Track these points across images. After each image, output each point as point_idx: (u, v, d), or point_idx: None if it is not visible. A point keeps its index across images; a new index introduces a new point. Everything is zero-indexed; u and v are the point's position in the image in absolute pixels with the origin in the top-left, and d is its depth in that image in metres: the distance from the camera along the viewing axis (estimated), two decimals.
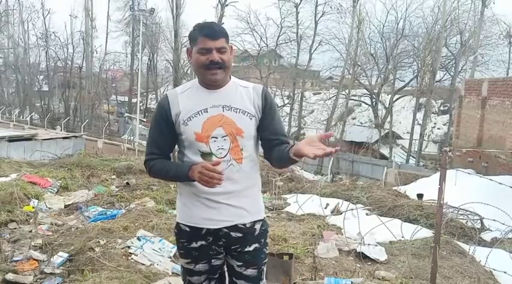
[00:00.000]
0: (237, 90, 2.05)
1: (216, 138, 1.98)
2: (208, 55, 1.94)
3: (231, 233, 2.04)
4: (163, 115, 2.04)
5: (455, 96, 21.89)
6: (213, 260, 2.11)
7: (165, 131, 2.05)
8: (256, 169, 2.12)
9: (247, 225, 2.06)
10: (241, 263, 2.09)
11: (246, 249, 2.07)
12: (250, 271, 2.10)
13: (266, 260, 2.17)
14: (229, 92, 2.04)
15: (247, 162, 2.04)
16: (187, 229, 2.08)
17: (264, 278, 2.18)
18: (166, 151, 2.11)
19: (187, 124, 2.00)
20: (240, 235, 2.05)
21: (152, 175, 2.16)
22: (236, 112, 2.01)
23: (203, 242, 2.06)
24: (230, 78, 2.09)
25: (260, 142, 2.12)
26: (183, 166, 2.00)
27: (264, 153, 2.14)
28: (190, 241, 2.08)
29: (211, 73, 1.96)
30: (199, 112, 2.00)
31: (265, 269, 2.17)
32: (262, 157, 2.20)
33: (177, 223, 2.13)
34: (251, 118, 2.02)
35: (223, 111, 2.00)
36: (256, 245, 2.09)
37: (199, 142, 1.98)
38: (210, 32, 1.96)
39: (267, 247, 2.18)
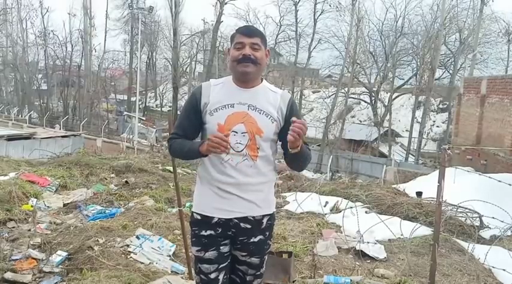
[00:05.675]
0: (265, 93, 2.17)
1: (236, 132, 2.09)
2: (242, 50, 2.09)
3: (241, 224, 2.15)
4: (194, 102, 2.18)
5: (454, 94, 21.87)
6: (221, 247, 2.18)
7: (192, 117, 2.19)
8: (271, 168, 2.21)
9: (257, 218, 2.17)
10: (245, 254, 2.21)
11: (252, 240, 2.19)
12: (253, 259, 2.23)
13: (269, 250, 2.30)
14: (258, 93, 2.16)
15: (262, 161, 2.14)
16: (199, 217, 2.19)
17: (264, 266, 2.31)
18: (189, 134, 2.21)
19: (212, 115, 2.12)
20: (249, 226, 2.16)
21: (171, 153, 2.29)
22: (260, 113, 2.12)
23: (212, 232, 2.15)
24: (262, 81, 2.21)
25: (282, 147, 2.20)
26: (196, 142, 2.14)
27: (284, 159, 2.22)
28: (200, 230, 2.18)
29: (242, 65, 2.09)
30: (226, 106, 2.12)
31: (266, 258, 2.30)
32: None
33: (192, 213, 2.25)
34: (273, 122, 2.13)
35: (248, 109, 2.12)
36: (261, 237, 2.21)
37: (220, 134, 2.06)
38: (245, 29, 2.14)
39: (271, 239, 2.31)
